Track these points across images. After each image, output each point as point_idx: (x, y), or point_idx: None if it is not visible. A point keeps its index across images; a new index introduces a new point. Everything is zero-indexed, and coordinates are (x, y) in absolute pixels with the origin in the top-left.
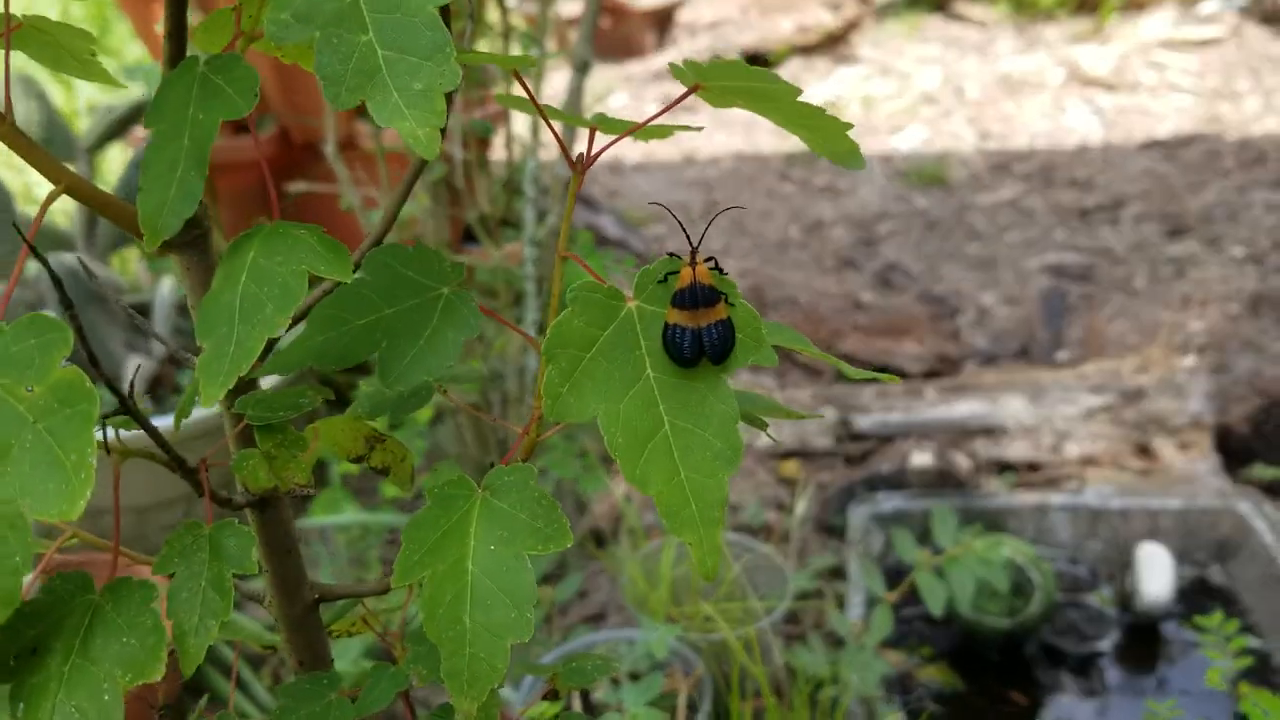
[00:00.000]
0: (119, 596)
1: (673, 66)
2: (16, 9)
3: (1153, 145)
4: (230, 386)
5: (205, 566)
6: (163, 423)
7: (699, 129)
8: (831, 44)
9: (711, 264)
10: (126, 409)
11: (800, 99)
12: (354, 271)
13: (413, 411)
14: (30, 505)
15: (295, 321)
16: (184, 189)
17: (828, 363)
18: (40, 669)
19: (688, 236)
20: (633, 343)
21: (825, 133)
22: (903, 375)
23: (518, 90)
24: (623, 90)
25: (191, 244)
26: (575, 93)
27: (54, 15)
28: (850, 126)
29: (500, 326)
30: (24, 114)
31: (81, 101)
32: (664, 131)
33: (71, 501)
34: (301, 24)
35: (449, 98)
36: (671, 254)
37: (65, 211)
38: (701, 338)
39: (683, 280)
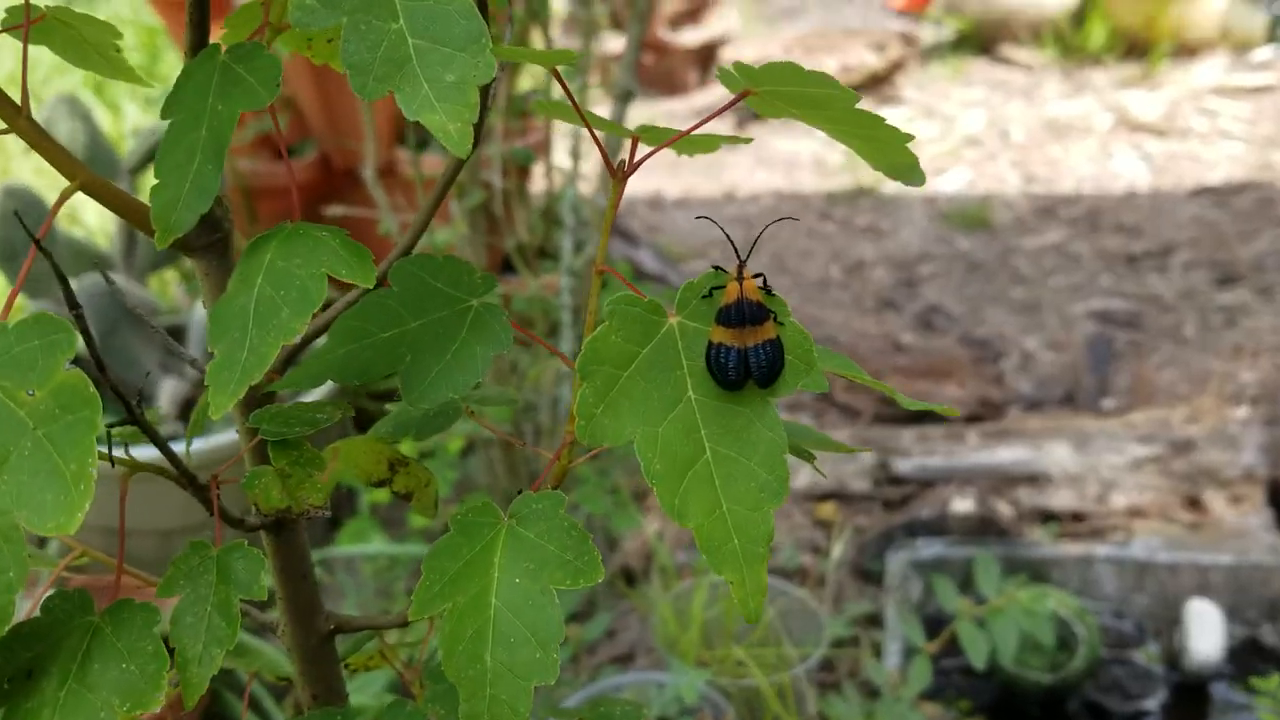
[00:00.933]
0: (119, 619)
1: (721, 71)
2: None
3: (1203, 192)
4: (240, 396)
5: (212, 590)
6: (199, 443)
7: (748, 140)
8: (875, 84)
9: (760, 281)
10: (134, 418)
11: (858, 106)
12: (380, 283)
13: (438, 432)
14: (26, 517)
15: (317, 335)
16: (199, 183)
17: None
18: (35, 693)
19: (735, 250)
20: (674, 362)
21: (883, 144)
22: (942, 419)
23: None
24: (664, 126)
25: (210, 248)
26: (617, 120)
27: None
28: (911, 138)
29: (535, 356)
30: (68, 133)
31: (128, 124)
32: (710, 144)
33: (69, 514)
34: (328, 9)
35: (484, 92)
36: (717, 267)
37: (105, 232)
38: (748, 358)
39: (729, 296)
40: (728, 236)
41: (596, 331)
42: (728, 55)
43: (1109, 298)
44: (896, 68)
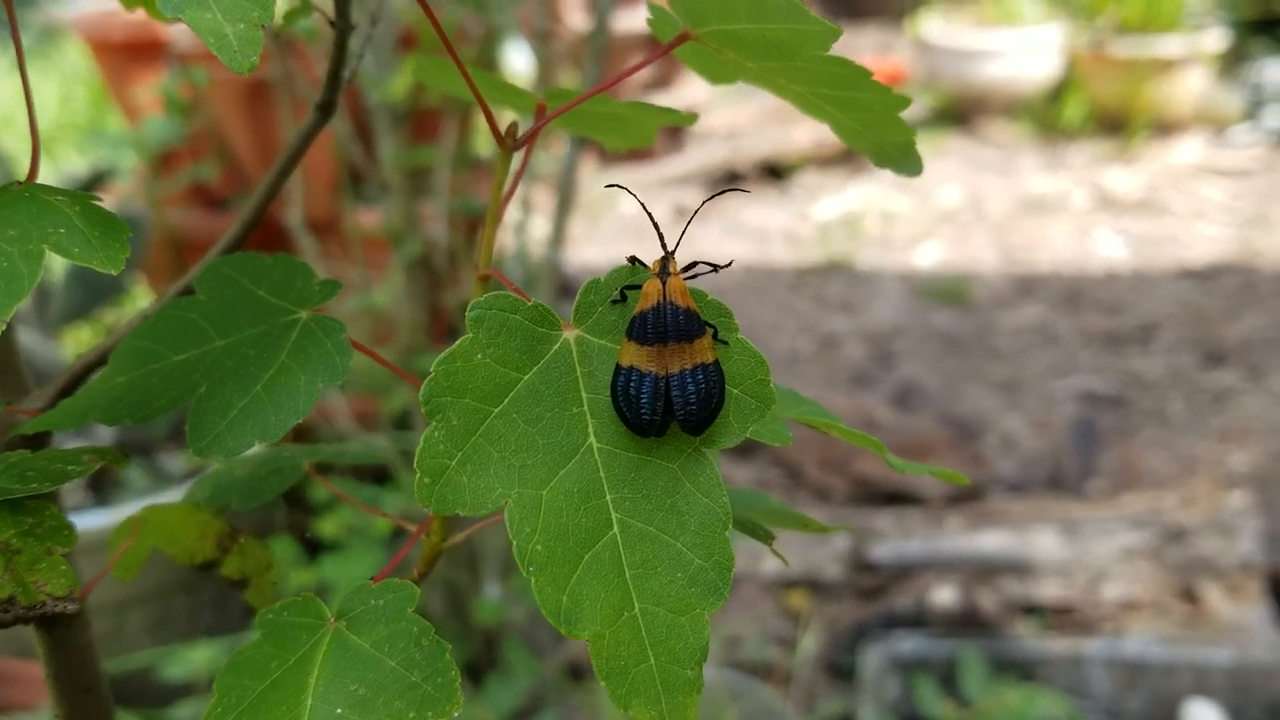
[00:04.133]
0: None
1: (651, 9)
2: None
3: (1183, 272)
4: None
5: None
6: (102, 517)
7: (691, 118)
8: (848, 157)
9: (692, 276)
10: None
11: (837, 53)
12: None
13: (268, 498)
14: None
15: (102, 358)
16: None
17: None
18: None
19: (659, 233)
20: (569, 394)
21: (868, 113)
22: (921, 501)
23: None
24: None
25: None
26: (570, 166)
27: (54, 99)
28: (905, 103)
29: None
30: None
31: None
32: (643, 123)
33: None
34: None
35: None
36: (634, 259)
37: None
38: (671, 390)
39: (646, 300)
40: (645, 208)
41: (454, 346)
42: (699, 125)
43: (1091, 377)
44: None
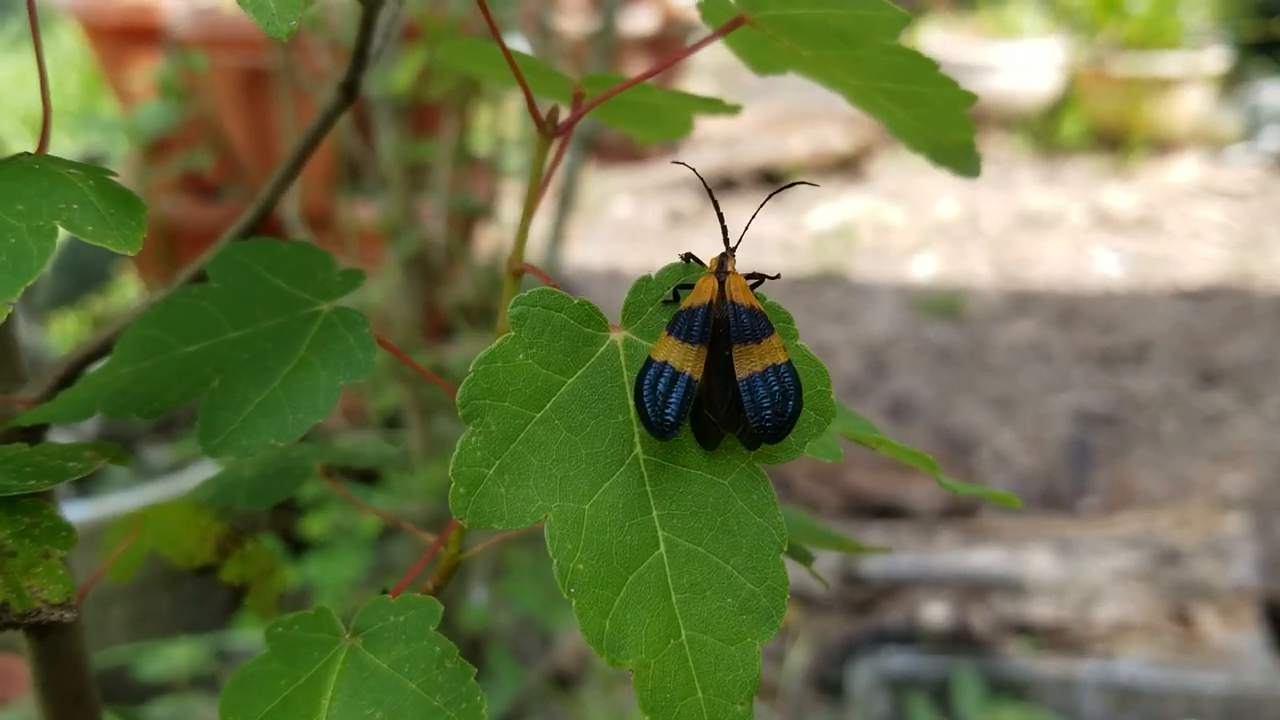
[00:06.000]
0: None
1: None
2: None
3: (1179, 292)
4: None
5: None
6: (82, 510)
7: (735, 108)
8: (843, 167)
9: (756, 282)
10: None
11: (901, 42)
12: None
13: (276, 501)
14: None
15: (106, 347)
16: None
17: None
18: None
19: (719, 213)
20: (614, 400)
21: (930, 111)
22: (911, 515)
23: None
24: (626, 198)
25: None
26: (575, 161)
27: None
28: (972, 100)
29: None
30: None
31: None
32: (680, 113)
33: None
34: None
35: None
36: (689, 256)
37: None
38: (740, 396)
39: (699, 295)
40: (703, 181)
41: (495, 345)
42: (695, 131)
43: (1085, 395)
44: (865, 151)
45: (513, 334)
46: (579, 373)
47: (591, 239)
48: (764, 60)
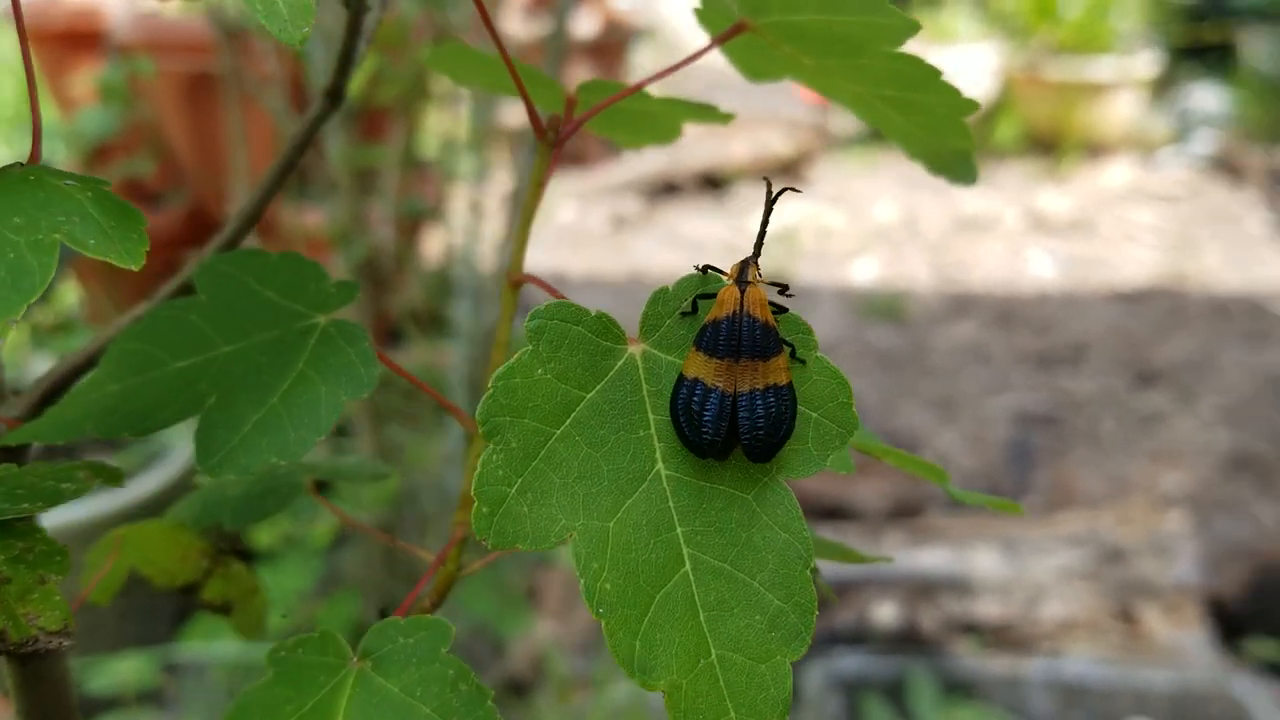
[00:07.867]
0: None
1: (702, 6)
2: None
3: (1113, 294)
4: None
5: None
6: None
7: (728, 117)
8: (784, 171)
9: (781, 289)
10: None
11: (906, 50)
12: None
13: (263, 518)
14: None
15: (90, 362)
16: None
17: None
18: None
19: (762, 228)
20: (634, 414)
21: (930, 119)
22: (859, 517)
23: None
24: (570, 203)
25: None
26: (530, 165)
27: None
28: (973, 107)
29: (422, 431)
30: None
31: None
32: (669, 119)
33: None
34: None
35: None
36: (709, 268)
37: None
38: (738, 411)
39: (722, 306)
40: (768, 186)
41: (513, 360)
42: None
43: (1024, 396)
44: (805, 156)
45: (530, 348)
46: (598, 387)
47: (535, 244)
48: (760, 67)
